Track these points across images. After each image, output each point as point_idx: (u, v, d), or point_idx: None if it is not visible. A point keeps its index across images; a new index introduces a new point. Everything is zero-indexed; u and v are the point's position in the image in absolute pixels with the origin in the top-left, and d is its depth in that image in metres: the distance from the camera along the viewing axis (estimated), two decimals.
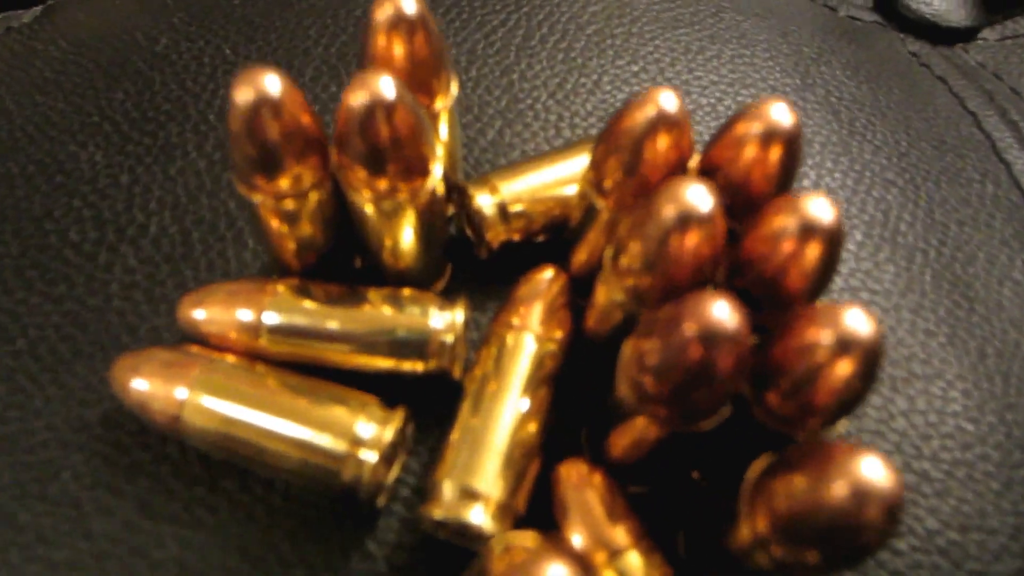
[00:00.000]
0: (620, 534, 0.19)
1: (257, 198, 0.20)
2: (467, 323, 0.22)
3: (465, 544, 0.20)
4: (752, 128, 0.18)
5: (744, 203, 0.19)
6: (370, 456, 0.20)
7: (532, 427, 0.21)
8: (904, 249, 0.28)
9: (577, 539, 0.19)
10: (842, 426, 0.17)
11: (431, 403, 0.22)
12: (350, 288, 0.22)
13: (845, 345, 0.15)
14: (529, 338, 0.22)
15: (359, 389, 0.21)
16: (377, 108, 0.18)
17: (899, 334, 0.25)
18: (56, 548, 0.21)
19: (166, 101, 0.29)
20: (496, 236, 0.24)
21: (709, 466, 0.21)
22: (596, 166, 0.20)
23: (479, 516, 0.19)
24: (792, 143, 0.18)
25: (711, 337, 0.15)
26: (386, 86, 0.18)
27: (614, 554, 0.18)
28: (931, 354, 0.25)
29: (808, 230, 0.17)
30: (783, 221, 0.17)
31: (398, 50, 0.21)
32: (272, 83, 0.18)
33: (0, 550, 0.21)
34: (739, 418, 0.18)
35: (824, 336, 0.15)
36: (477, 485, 0.19)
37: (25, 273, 0.25)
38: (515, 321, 0.22)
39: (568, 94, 0.30)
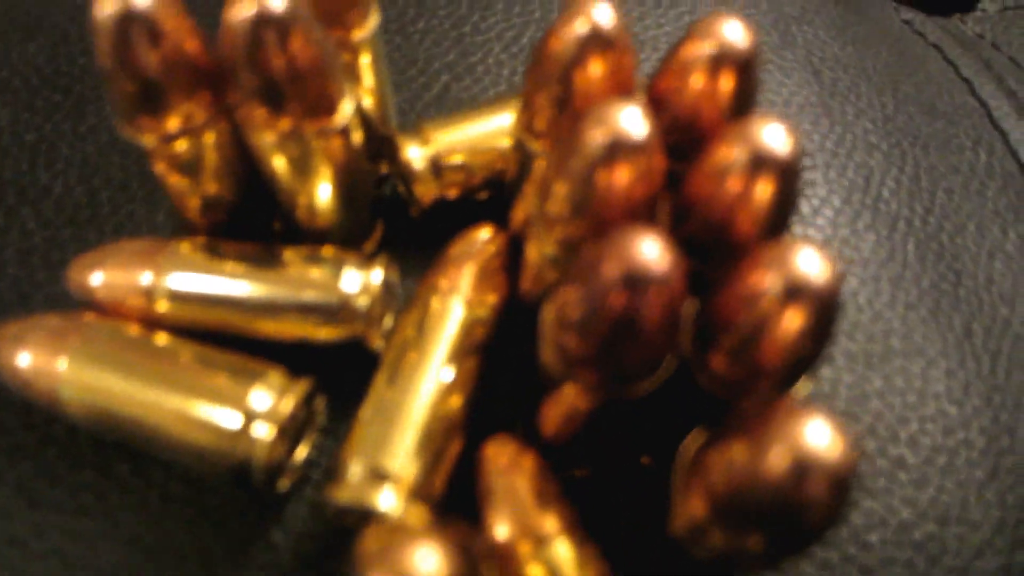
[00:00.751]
0: (548, 521, 0.16)
1: (146, 141, 0.18)
2: (389, 286, 0.20)
3: None
4: (701, 50, 0.16)
5: (694, 142, 0.17)
6: (264, 430, 0.17)
7: (455, 401, 0.18)
8: (886, 216, 0.25)
9: (501, 527, 0.16)
10: (804, 388, 0.15)
11: (351, 377, 0.20)
12: (264, 247, 0.20)
13: (794, 291, 0.12)
14: (457, 302, 0.19)
15: (268, 360, 0.19)
16: (266, 24, 0.15)
17: (876, 306, 0.23)
18: None
19: (82, 55, 0.27)
20: (427, 192, 0.21)
21: (656, 447, 0.18)
22: (527, 104, 0.18)
23: (388, 500, 0.17)
24: (748, 68, 0.16)
25: (635, 279, 0.12)
26: None
27: (540, 543, 0.16)
28: (912, 329, 0.23)
29: (759, 162, 0.14)
30: (729, 153, 0.14)
31: None
32: None
33: None
34: (685, 389, 0.15)
35: (769, 280, 0.13)
36: (388, 465, 0.17)
37: None
38: (443, 284, 0.20)
39: (524, 48, 0.27)
